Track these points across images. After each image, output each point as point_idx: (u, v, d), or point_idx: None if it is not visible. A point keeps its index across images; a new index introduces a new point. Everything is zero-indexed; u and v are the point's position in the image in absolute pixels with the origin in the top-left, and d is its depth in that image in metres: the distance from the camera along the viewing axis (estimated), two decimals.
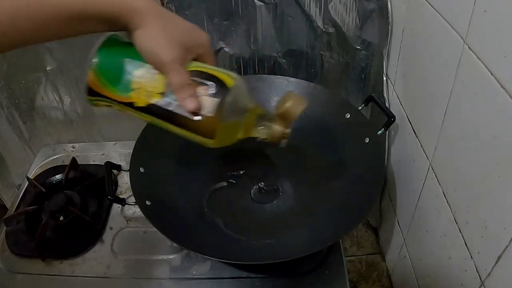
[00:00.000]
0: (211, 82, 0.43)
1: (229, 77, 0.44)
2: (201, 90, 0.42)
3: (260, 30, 0.82)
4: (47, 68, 0.87)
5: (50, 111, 0.94)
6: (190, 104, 0.41)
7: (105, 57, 0.43)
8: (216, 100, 0.42)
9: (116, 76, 0.43)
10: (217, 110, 0.42)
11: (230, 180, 0.75)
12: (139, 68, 0.43)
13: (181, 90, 0.42)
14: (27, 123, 0.96)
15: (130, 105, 0.44)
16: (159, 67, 0.42)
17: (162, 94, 0.43)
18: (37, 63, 0.86)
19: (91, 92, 0.44)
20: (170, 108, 0.43)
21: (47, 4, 0.38)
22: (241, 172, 0.77)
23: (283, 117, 0.48)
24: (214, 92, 0.42)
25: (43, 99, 0.92)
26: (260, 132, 0.49)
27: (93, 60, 0.43)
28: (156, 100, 0.43)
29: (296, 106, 0.48)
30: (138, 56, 0.42)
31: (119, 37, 0.45)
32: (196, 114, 0.42)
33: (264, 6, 0.78)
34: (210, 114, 0.42)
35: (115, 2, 0.40)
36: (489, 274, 0.48)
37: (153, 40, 0.41)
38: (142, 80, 0.43)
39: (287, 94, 0.49)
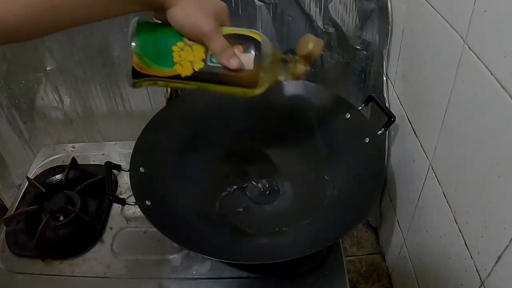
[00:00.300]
0: (244, 41, 0.49)
1: (255, 34, 0.50)
2: (237, 49, 0.48)
3: (260, 30, 0.81)
4: (47, 68, 0.87)
5: (50, 111, 0.94)
6: (234, 63, 0.47)
7: (144, 40, 0.47)
8: (252, 55, 0.49)
9: (158, 55, 0.47)
10: (255, 63, 0.49)
11: (230, 180, 0.75)
12: (176, 42, 0.47)
13: (223, 53, 0.47)
14: (27, 123, 0.96)
15: (177, 77, 0.48)
16: (201, 37, 0.47)
17: (204, 60, 0.48)
18: (37, 63, 0.86)
19: (136, 75, 0.48)
20: (215, 71, 0.48)
21: None
22: (241, 172, 0.77)
23: (306, 57, 0.54)
24: (248, 48, 0.49)
25: (43, 99, 0.92)
26: (286, 74, 0.55)
27: (133, 44, 0.46)
28: (200, 67, 0.48)
29: (317, 46, 0.54)
30: (172, 32, 0.47)
31: (146, 20, 0.49)
32: (238, 70, 0.48)
33: (264, 6, 0.78)
34: (250, 68, 0.49)
35: None
36: (489, 274, 0.48)
37: (192, 15, 0.46)
38: (182, 53, 0.47)
39: (305, 37, 0.55)
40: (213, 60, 0.48)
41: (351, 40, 0.81)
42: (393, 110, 0.76)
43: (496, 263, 0.47)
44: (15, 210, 0.76)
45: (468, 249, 0.53)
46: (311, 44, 0.53)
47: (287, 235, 0.65)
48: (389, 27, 0.77)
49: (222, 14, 0.49)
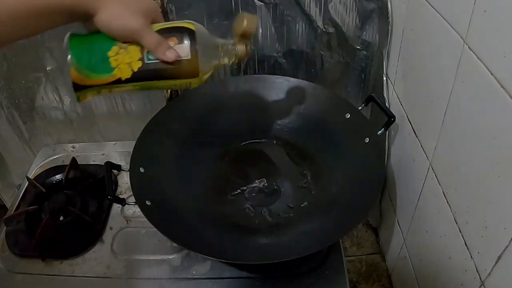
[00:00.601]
0: (177, 32, 0.48)
1: (188, 23, 0.49)
2: (172, 42, 0.48)
3: (260, 30, 0.82)
4: (47, 68, 0.87)
5: (50, 111, 0.94)
6: (171, 56, 0.47)
7: (79, 51, 0.47)
8: (187, 44, 0.48)
9: (95, 64, 0.47)
10: (192, 51, 0.48)
11: (230, 180, 0.75)
12: (110, 47, 0.47)
13: (158, 48, 0.47)
14: (27, 123, 0.96)
15: (118, 81, 0.48)
16: (132, 36, 0.46)
17: (141, 59, 0.47)
18: (37, 63, 0.86)
19: (77, 87, 0.48)
20: (154, 67, 0.48)
21: (20, 2, 0.41)
22: (241, 173, 0.77)
23: (243, 36, 0.54)
24: (183, 38, 0.48)
25: (43, 99, 0.92)
26: (227, 57, 0.54)
27: (69, 58, 0.47)
28: (139, 66, 0.48)
29: (251, 22, 0.53)
30: (104, 38, 0.47)
31: (78, 33, 0.49)
32: (177, 62, 0.48)
33: (264, 6, 0.78)
34: (188, 57, 0.48)
35: None
36: (489, 274, 0.48)
37: (119, 16, 0.45)
38: (119, 56, 0.47)
39: (239, 16, 0.54)
40: (150, 57, 0.47)
41: (351, 40, 0.81)
42: (393, 110, 0.76)
43: (496, 263, 0.47)
44: (15, 210, 0.76)
45: (468, 249, 0.53)
46: (245, 21, 0.53)
47: (287, 235, 0.65)
48: (389, 27, 0.77)
49: (152, 12, 0.49)
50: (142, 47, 0.47)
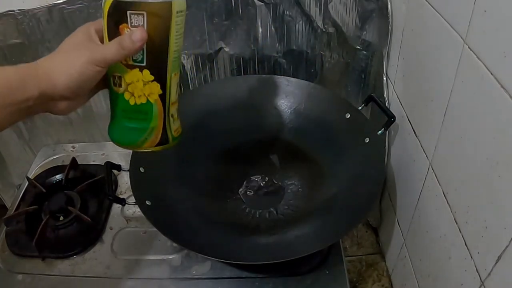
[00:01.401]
0: (115, 18, 0.42)
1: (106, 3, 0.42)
2: (125, 29, 0.41)
3: (260, 30, 0.82)
4: None
5: None
6: (137, 35, 0.40)
7: (122, 134, 0.47)
8: (130, 11, 0.41)
9: (139, 117, 0.46)
10: (142, 7, 0.41)
11: (230, 180, 0.75)
12: (124, 100, 0.44)
13: (123, 46, 0.41)
14: (27, 123, 0.96)
15: (163, 98, 0.45)
16: (97, 66, 0.41)
17: (139, 68, 0.43)
18: None
19: (162, 142, 0.47)
20: (150, 56, 0.42)
21: None
22: (241, 173, 0.77)
23: None
24: (124, 13, 0.41)
25: None
26: None
27: (116, 143, 0.48)
28: (148, 73, 0.43)
29: None
30: (113, 100, 0.45)
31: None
32: (149, 25, 0.41)
33: (264, 6, 0.78)
34: (144, 14, 0.41)
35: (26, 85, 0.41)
36: (489, 274, 0.48)
37: (66, 72, 0.40)
38: (136, 91, 0.44)
39: None
40: (134, 58, 0.42)
41: (351, 40, 0.81)
42: (393, 110, 0.76)
43: (496, 263, 0.47)
44: (15, 210, 0.76)
45: (468, 249, 0.53)
46: None
47: (287, 235, 0.65)
48: (389, 27, 0.77)
49: (89, 35, 0.42)
50: (122, 64, 0.42)
